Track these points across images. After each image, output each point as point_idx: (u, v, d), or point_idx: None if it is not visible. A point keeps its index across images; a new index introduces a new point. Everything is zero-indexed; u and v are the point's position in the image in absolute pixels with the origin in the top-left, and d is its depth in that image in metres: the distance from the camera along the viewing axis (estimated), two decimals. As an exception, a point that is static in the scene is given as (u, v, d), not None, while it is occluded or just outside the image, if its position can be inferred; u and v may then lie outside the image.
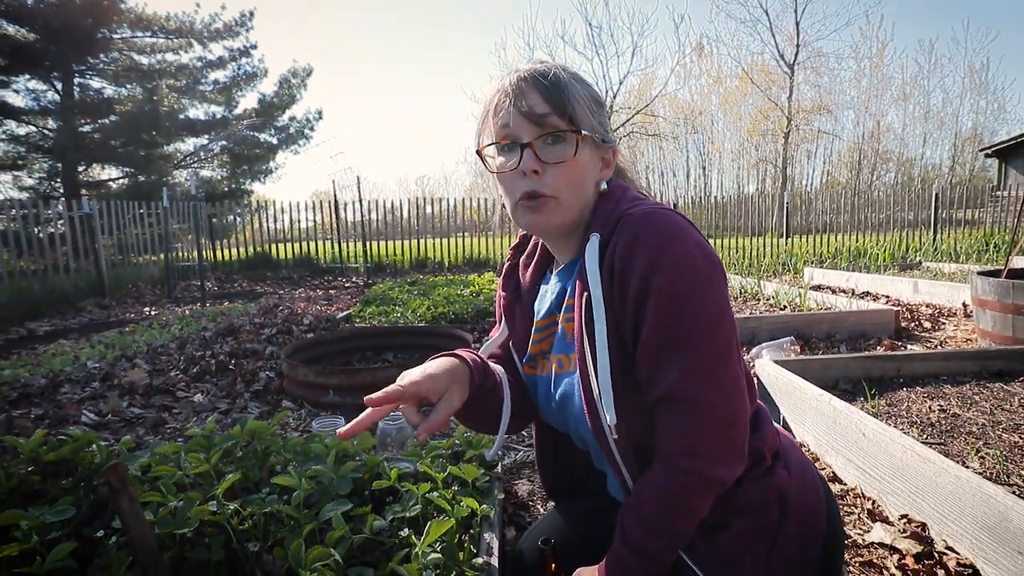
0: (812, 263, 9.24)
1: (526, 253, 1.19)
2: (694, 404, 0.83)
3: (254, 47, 16.28)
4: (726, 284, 0.88)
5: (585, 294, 0.90)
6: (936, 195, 11.54)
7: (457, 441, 1.81)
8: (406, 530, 1.29)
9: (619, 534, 0.90)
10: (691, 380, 0.82)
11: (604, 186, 0.99)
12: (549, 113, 0.90)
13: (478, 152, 0.99)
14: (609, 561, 0.91)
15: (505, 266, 1.21)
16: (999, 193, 12.67)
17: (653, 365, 0.85)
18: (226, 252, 11.70)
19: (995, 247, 9.21)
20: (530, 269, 1.16)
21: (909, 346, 3.77)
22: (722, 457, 0.85)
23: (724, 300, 0.86)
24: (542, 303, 1.11)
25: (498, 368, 1.13)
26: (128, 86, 14.65)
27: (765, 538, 0.92)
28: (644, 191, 1.08)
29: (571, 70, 0.96)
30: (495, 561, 1.23)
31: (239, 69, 16.33)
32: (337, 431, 0.90)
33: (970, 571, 1.40)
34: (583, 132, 0.91)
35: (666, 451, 0.86)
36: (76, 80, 13.91)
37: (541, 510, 1.78)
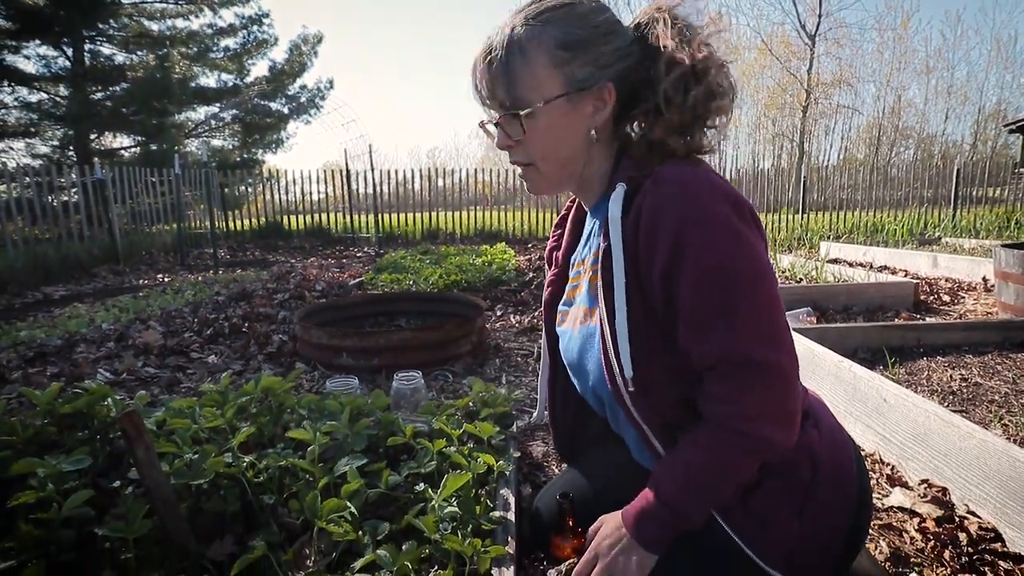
0: (828, 238, 9.10)
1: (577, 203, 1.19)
2: (753, 365, 0.80)
3: (266, 15, 16.07)
4: (764, 241, 0.84)
5: (604, 245, 0.87)
6: (957, 171, 11.29)
7: (471, 402, 1.80)
8: (422, 485, 1.28)
9: (654, 492, 0.88)
10: (747, 340, 0.79)
11: (594, 134, 0.94)
12: (495, 98, 0.92)
13: (480, 125, 1.01)
14: (639, 513, 0.89)
15: (561, 214, 1.23)
16: (1022, 170, 12.37)
17: (700, 331, 0.81)
18: (238, 222, 11.70)
19: (1017, 223, 9.03)
20: (574, 218, 1.17)
21: (928, 318, 3.71)
22: (783, 419, 0.82)
23: (764, 258, 0.83)
24: (577, 252, 1.11)
25: None
26: (139, 53, 14.50)
27: (796, 497, 0.89)
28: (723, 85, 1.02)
29: (529, 24, 0.89)
30: (512, 516, 1.22)
31: (249, 36, 16.12)
32: None
33: (992, 535, 1.38)
34: (523, 112, 0.90)
35: (722, 414, 0.82)
36: (87, 46, 13.77)
37: (556, 470, 1.77)
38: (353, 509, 1.15)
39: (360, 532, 1.13)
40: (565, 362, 1.10)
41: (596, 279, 0.91)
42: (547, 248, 1.23)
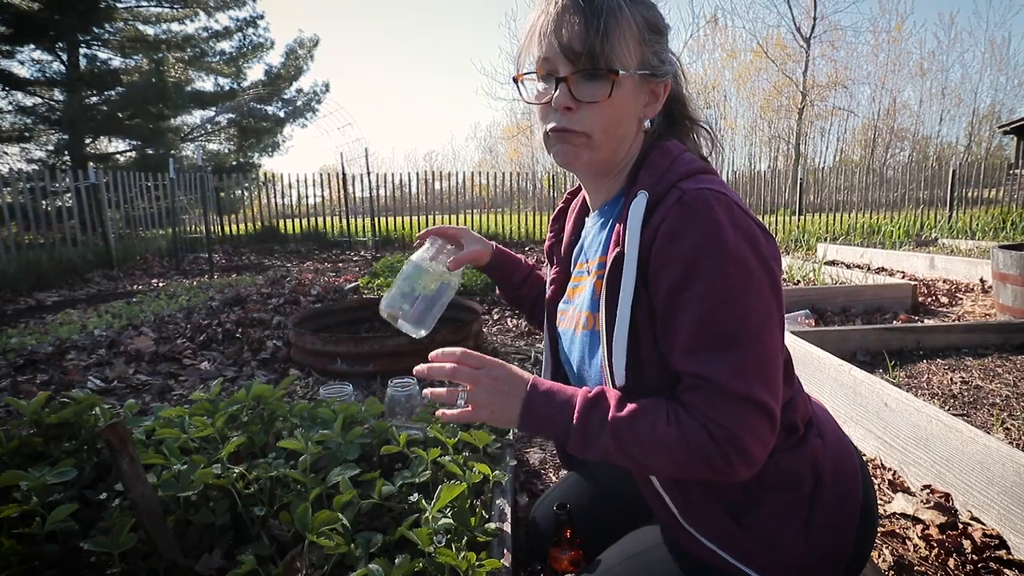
0: (825, 240, 9.10)
1: (577, 197, 1.15)
2: (750, 403, 0.76)
3: (260, 17, 16.06)
4: (779, 274, 0.81)
5: (616, 250, 0.84)
6: (953, 172, 11.32)
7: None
8: (416, 495, 1.25)
9: (588, 402, 0.84)
10: (742, 378, 0.76)
11: (648, 123, 0.93)
12: (587, 49, 0.82)
13: (515, 79, 0.93)
14: (556, 396, 0.86)
15: (558, 208, 1.19)
16: (1016, 171, 12.39)
17: (696, 355, 0.79)
18: (234, 227, 11.66)
19: (1013, 224, 9.04)
20: (574, 214, 1.13)
21: (926, 320, 3.69)
22: (756, 463, 0.79)
23: (774, 298, 0.80)
24: (580, 250, 1.08)
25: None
26: (134, 57, 14.47)
27: (801, 509, 0.86)
28: (705, 124, 1.01)
29: None
30: (508, 527, 1.20)
31: (245, 39, 16.11)
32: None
33: (997, 542, 1.35)
34: (620, 72, 0.84)
35: (714, 433, 0.77)
36: (82, 50, 13.74)
37: (553, 478, 1.75)
38: (345, 521, 1.12)
39: (352, 545, 1.10)
40: (565, 363, 1.07)
41: (601, 284, 0.88)
42: (546, 244, 1.19)
